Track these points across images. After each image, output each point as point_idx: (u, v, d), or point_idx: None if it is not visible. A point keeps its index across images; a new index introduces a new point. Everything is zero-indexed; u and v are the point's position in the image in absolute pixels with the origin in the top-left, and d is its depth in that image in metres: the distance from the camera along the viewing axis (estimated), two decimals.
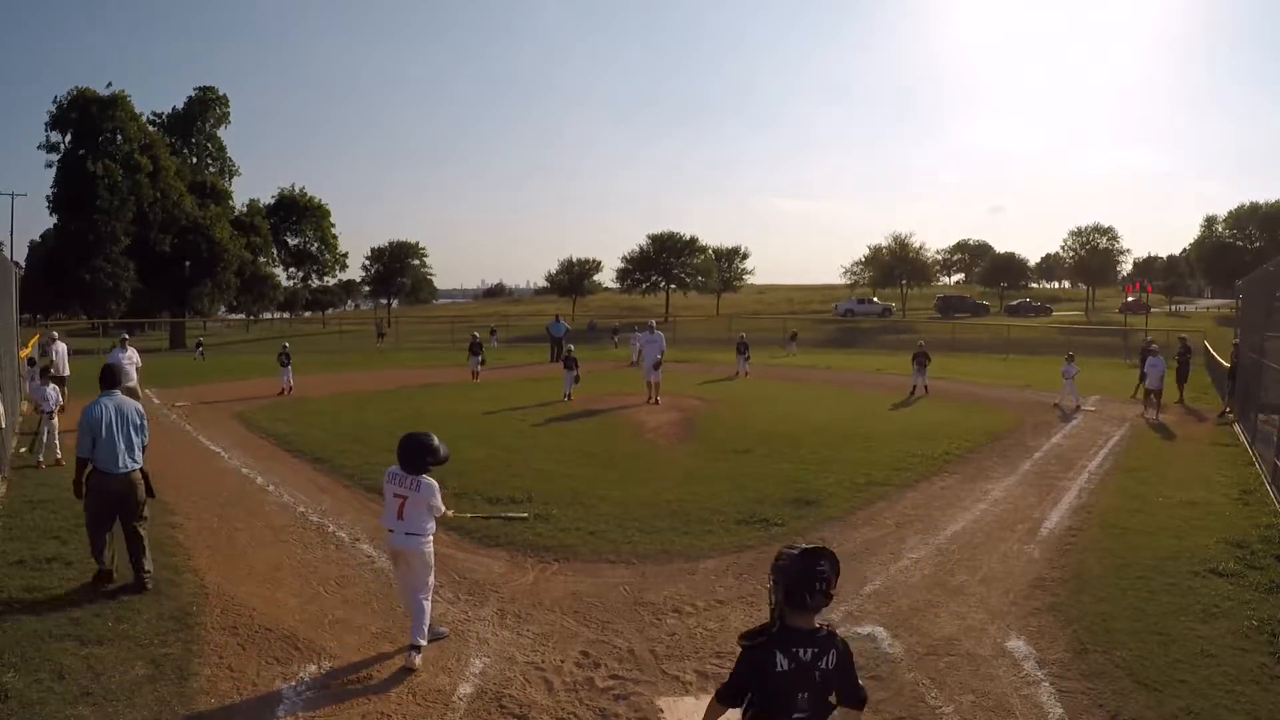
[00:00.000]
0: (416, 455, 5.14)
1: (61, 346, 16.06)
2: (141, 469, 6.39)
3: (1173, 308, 72.94)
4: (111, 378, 6.60)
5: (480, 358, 23.31)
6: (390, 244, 74.61)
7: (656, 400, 16.87)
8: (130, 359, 14.32)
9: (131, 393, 12.21)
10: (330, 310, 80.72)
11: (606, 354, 31.07)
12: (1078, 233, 70.34)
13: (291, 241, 61.43)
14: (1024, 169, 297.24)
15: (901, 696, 4.73)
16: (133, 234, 45.34)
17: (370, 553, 7.29)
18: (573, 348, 19.58)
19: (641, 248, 67.82)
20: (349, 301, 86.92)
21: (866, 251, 69.20)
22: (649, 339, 17.63)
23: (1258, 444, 11.62)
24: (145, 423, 6.48)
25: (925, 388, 19.21)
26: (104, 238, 43.69)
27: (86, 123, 45.06)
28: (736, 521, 8.19)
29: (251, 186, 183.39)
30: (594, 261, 71.30)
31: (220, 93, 53.75)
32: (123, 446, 6.22)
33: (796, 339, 35.14)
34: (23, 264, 34.05)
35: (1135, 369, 19.49)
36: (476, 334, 25.65)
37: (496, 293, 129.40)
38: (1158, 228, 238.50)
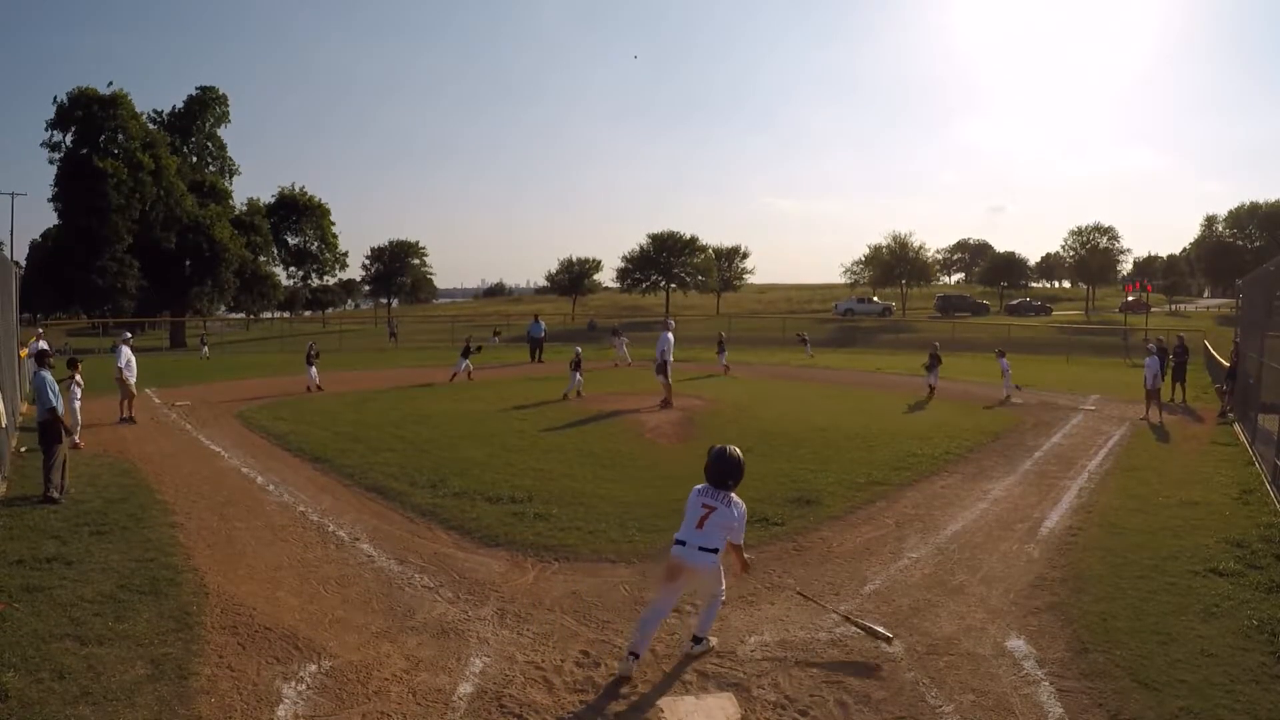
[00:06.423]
0: (722, 472, 5.13)
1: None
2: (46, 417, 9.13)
3: (1173, 307, 72.91)
4: (41, 358, 9.94)
5: (467, 363, 22.46)
6: (390, 243, 75.01)
7: (669, 402, 16.22)
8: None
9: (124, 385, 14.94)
10: (330, 310, 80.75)
11: (608, 354, 31.01)
12: (1078, 232, 70.21)
13: (291, 241, 61.47)
14: (1024, 169, 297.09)
15: (901, 696, 4.73)
16: (135, 232, 45.36)
17: (370, 552, 7.29)
18: (580, 350, 19.65)
19: (641, 247, 67.77)
20: (349, 301, 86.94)
21: (866, 251, 69.13)
22: (662, 338, 16.87)
23: (1258, 444, 11.62)
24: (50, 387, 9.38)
25: (931, 388, 19.30)
26: (110, 236, 43.72)
27: (88, 121, 45.07)
28: None
29: (251, 186, 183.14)
30: (594, 261, 71.42)
31: (220, 92, 53.82)
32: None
33: (809, 341, 34.15)
34: (23, 264, 34.03)
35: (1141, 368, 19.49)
36: (471, 337, 25.51)
37: (496, 292, 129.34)
38: (1158, 228, 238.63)
